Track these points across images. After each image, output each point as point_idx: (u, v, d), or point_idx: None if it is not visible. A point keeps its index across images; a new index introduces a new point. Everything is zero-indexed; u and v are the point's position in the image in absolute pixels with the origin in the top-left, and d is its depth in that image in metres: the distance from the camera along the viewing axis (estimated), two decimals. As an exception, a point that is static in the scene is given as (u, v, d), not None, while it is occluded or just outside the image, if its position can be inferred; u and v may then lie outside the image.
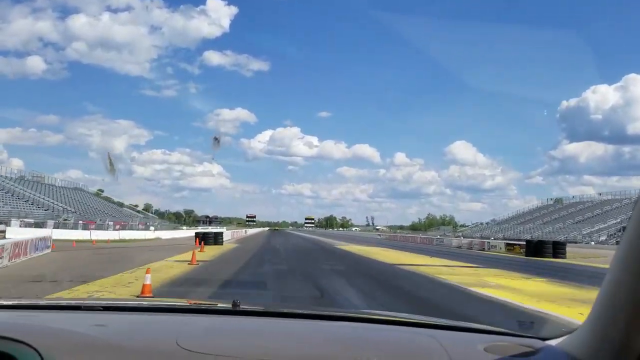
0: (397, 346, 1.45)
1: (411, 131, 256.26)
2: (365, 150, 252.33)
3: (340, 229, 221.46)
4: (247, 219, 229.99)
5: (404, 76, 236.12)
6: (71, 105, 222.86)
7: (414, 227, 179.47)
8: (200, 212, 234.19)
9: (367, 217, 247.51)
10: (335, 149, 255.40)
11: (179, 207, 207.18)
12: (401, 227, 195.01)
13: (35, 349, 0.97)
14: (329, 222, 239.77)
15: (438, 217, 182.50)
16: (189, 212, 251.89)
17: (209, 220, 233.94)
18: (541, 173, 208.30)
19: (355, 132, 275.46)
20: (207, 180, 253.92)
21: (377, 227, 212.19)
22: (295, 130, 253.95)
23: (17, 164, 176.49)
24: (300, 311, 1.90)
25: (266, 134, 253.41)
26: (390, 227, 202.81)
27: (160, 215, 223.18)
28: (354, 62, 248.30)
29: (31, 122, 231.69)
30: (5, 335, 0.98)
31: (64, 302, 1.77)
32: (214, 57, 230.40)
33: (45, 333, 1.07)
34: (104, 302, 1.78)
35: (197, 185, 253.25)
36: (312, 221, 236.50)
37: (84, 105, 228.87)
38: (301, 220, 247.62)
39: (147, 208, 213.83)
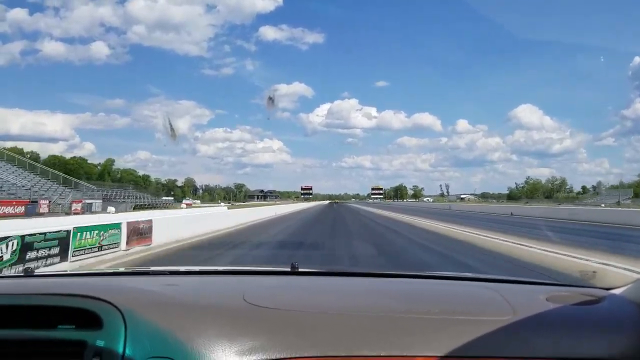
0: (459, 299, 1.48)
1: (473, 97, 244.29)
2: (426, 118, 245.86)
3: (410, 200, 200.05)
4: (303, 192, 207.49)
5: (463, 39, 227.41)
6: (135, 88, 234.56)
7: (512, 196, 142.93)
8: (263, 188, 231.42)
9: (440, 186, 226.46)
10: (395, 118, 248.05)
11: (249, 185, 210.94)
12: (481, 196, 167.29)
13: (115, 306, 1.03)
14: (398, 193, 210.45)
15: (543, 182, 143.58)
16: (240, 187, 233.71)
17: (264, 195, 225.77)
18: (613, 134, 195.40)
19: (415, 100, 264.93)
20: (268, 156, 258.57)
21: (462, 197, 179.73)
22: (353, 102, 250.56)
23: (89, 147, 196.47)
24: (357, 270, 1.96)
25: (324, 108, 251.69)
26: (478, 196, 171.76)
27: (210, 190, 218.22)
28: (410, 28, 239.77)
29: (99, 107, 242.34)
30: (90, 294, 1.04)
31: (136, 269, 1.92)
32: (269, 32, 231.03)
33: (123, 292, 1.13)
34: (170, 268, 1.90)
35: (259, 161, 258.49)
36: (380, 192, 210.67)
37: (147, 88, 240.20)
38: (363, 192, 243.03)
39: (189, 183, 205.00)
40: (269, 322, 1.14)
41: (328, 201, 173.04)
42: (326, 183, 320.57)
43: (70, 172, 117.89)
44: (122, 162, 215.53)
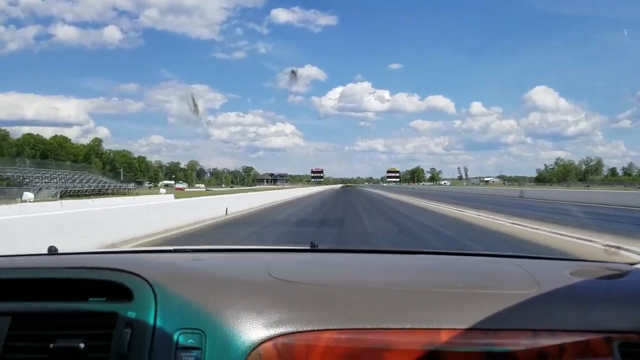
0: (483, 273, 1.49)
1: (488, 79, 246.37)
2: (439, 101, 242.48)
3: (426, 183, 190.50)
4: (313, 175, 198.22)
5: (478, 19, 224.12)
6: (148, 72, 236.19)
7: (540, 179, 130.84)
8: (276, 172, 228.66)
9: (459, 168, 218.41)
10: (408, 101, 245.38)
11: (257, 168, 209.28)
12: (508, 179, 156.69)
13: (145, 279, 1.06)
14: (415, 175, 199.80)
15: (577, 163, 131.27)
16: (248, 170, 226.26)
17: (273, 179, 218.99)
18: (630, 116, 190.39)
19: (428, 83, 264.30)
20: (280, 140, 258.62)
21: (487, 179, 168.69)
22: (366, 85, 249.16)
23: (103, 132, 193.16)
24: (377, 248, 1.99)
25: (337, 91, 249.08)
26: (504, 180, 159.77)
27: (217, 174, 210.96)
28: (424, 9, 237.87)
29: (113, 91, 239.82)
30: (120, 268, 1.08)
31: (160, 248, 1.96)
32: (281, 15, 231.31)
33: (152, 266, 1.17)
34: (194, 247, 1.96)
35: (271, 145, 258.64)
36: (396, 174, 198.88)
37: (160, 72, 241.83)
38: (376, 176, 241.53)
39: (192, 166, 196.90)
40: (294, 295, 1.15)
41: (340, 185, 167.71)
42: (339, 167, 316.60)
43: (49, 153, 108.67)
44: (137, 147, 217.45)
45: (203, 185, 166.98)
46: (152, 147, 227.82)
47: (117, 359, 0.94)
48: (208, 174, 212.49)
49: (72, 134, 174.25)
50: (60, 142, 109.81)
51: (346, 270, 1.51)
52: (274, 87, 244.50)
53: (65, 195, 43.32)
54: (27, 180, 47.06)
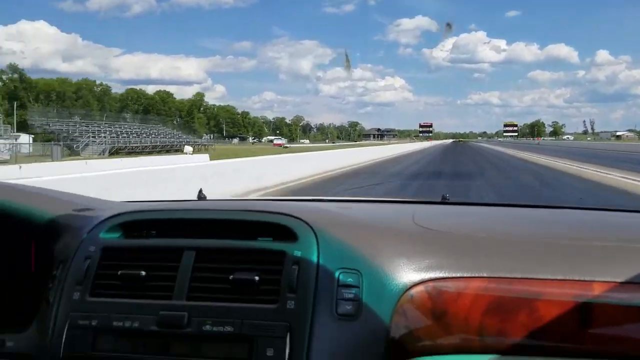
0: (635, 229, 1.43)
1: (615, 25, 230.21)
2: (561, 50, 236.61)
3: (547, 138, 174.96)
4: (421, 129, 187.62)
5: None
6: (261, 30, 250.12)
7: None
8: (385, 127, 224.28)
9: (584, 122, 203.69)
10: (526, 51, 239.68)
11: (366, 124, 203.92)
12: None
13: (306, 222, 1.14)
14: (534, 130, 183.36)
15: None
16: (354, 125, 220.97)
17: (380, 134, 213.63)
18: None
19: (549, 30, 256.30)
20: (389, 95, 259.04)
21: (618, 134, 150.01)
22: (480, 34, 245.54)
23: (220, 89, 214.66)
24: (513, 202, 1.93)
25: (449, 42, 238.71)
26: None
27: (323, 129, 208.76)
28: None
29: (228, 50, 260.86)
30: (284, 212, 1.17)
31: (307, 197, 2.00)
32: None
33: (310, 211, 1.23)
34: (339, 197, 2.08)
35: (380, 100, 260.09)
36: (514, 128, 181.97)
37: (272, 30, 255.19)
38: (490, 130, 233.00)
39: (297, 121, 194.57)
40: (442, 243, 1.18)
41: (451, 140, 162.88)
42: (450, 121, 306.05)
43: (151, 108, 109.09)
44: (251, 104, 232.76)
45: (308, 141, 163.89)
46: (265, 103, 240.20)
47: (286, 291, 1.02)
48: (314, 129, 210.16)
49: (191, 91, 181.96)
50: (163, 97, 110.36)
51: (486, 222, 1.50)
52: (383, 39, 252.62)
53: (116, 152, 39.47)
54: (76, 134, 43.94)
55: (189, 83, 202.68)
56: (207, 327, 1.01)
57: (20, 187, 1.43)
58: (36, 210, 1.29)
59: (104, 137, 43.69)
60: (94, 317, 1.05)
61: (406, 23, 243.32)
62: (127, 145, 45.80)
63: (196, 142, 61.65)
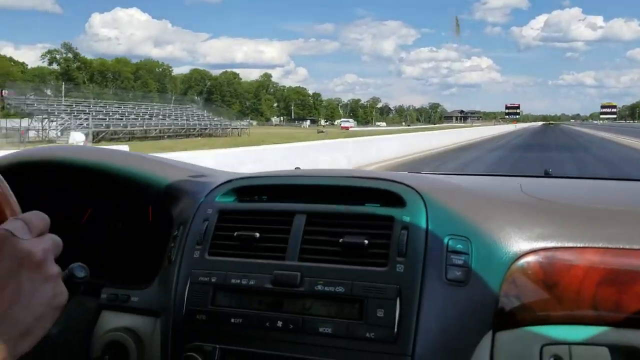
0: None
1: None
2: None
3: None
4: (507, 111, 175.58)
5: None
6: (343, 11, 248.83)
7: None
8: (470, 109, 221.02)
9: None
10: (626, 28, 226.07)
11: (448, 105, 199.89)
12: None
13: (414, 189, 1.14)
14: (636, 111, 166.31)
15: None
16: (435, 107, 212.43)
17: (463, 116, 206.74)
18: None
19: None
20: (475, 75, 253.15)
21: None
22: (575, 11, 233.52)
23: (302, 72, 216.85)
24: (617, 176, 2.10)
25: (540, 20, 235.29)
26: None
27: (401, 111, 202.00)
28: None
29: (311, 32, 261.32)
30: (391, 179, 1.18)
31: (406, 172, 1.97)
32: None
33: (417, 179, 1.23)
34: (436, 172, 2.10)
35: (465, 81, 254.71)
36: (612, 110, 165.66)
37: (355, 11, 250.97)
38: (584, 112, 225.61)
39: (373, 103, 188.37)
40: (553, 213, 1.17)
41: (541, 123, 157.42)
42: (540, 103, 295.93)
43: (215, 89, 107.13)
44: (332, 86, 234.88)
45: (384, 124, 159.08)
46: (346, 86, 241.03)
47: (396, 255, 1.03)
48: (393, 112, 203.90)
49: (275, 74, 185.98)
50: (229, 79, 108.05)
51: (596, 194, 1.49)
52: (469, 18, 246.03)
53: (100, 139, 35.55)
54: (55, 112, 40.49)
55: (272, 66, 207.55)
56: (319, 287, 1.03)
57: (140, 155, 1.56)
58: (155, 176, 1.37)
59: (87, 119, 39.13)
60: (213, 275, 1.11)
61: (493, 1, 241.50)
62: (126, 128, 41.96)
63: (226, 125, 55.12)
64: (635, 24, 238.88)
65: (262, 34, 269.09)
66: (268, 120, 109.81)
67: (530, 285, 1.04)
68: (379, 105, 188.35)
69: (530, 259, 1.06)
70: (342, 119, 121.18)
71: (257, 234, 1.14)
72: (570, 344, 1.00)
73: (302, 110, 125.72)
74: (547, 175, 1.89)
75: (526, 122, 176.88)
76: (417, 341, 0.97)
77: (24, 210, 0.73)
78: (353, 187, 1.21)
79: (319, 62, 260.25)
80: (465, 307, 1.01)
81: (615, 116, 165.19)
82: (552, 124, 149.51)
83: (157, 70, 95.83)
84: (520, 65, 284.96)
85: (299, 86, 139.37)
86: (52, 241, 0.70)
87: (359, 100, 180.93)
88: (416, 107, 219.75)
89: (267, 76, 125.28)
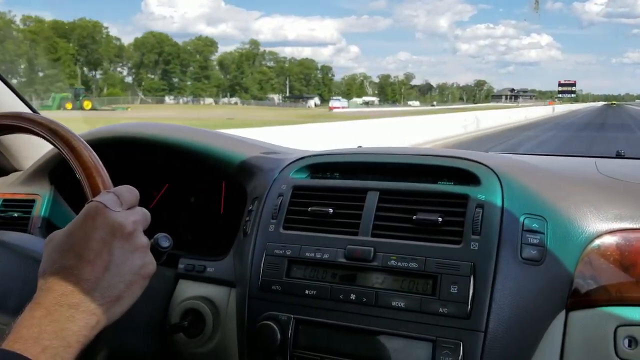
0: None
1: None
2: None
3: None
4: (561, 90, 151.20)
5: None
6: None
7: None
8: (527, 87, 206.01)
9: None
10: None
11: (505, 84, 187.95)
12: None
13: (489, 167, 1.13)
14: None
15: None
16: (480, 84, 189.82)
17: (514, 95, 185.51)
18: None
19: None
20: (534, 53, 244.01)
21: None
22: None
23: (354, 50, 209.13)
24: None
25: None
26: None
27: (443, 89, 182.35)
28: None
29: (363, 9, 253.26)
30: (465, 157, 1.18)
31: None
32: None
33: (491, 158, 1.22)
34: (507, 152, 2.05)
35: (524, 59, 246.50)
36: None
37: None
38: None
39: (407, 79, 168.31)
40: (631, 193, 1.15)
41: (602, 103, 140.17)
42: (602, 82, 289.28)
43: (173, 57, 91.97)
44: (385, 64, 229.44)
45: (417, 103, 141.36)
46: (399, 64, 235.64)
47: (470, 233, 1.03)
48: (435, 90, 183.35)
49: (326, 52, 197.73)
50: (198, 47, 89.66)
51: None
52: None
53: None
54: None
55: (323, 44, 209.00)
56: (392, 262, 1.04)
57: (215, 132, 1.59)
58: (231, 152, 1.40)
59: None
60: (288, 248, 1.13)
61: None
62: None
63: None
64: None
65: (313, 12, 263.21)
66: (262, 99, 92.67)
67: (606, 266, 1.02)
68: (413, 81, 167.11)
69: (607, 239, 1.04)
70: (333, 97, 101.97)
71: (331, 210, 1.14)
72: None
73: (305, 87, 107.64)
74: (619, 156, 1.81)
75: (586, 101, 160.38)
76: (490, 318, 0.97)
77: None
78: (426, 165, 1.20)
79: (371, 39, 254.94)
80: (539, 286, 1.01)
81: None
82: (614, 104, 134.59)
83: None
84: (582, 43, 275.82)
85: (307, 58, 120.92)
86: (142, 214, 0.75)
87: (388, 76, 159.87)
88: (460, 85, 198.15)
89: (256, 44, 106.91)
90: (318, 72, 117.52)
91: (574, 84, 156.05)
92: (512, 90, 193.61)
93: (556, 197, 1.11)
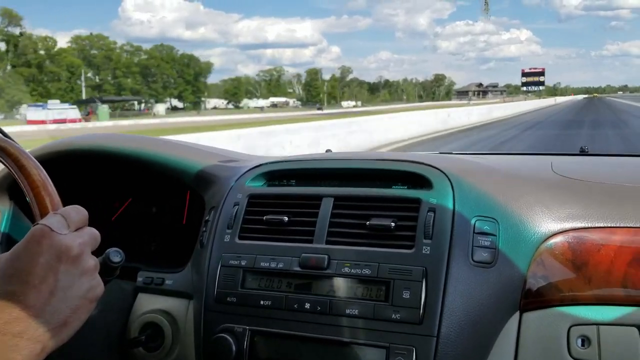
0: None
1: None
2: None
3: None
4: (525, 80, 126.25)
5: None
6: None
7: None
8: (511, 82, 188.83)
9: None
10: None
11: (483, 80, 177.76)
12: None
13: (441, 171, 1.14)
14: None
15: None
16: (439, 79, 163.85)
17: (482, 91, 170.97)
18: None
19: None
20: (514, 49, 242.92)
21: None
22: None
23: (335, 50, 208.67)
24: None
25: None
26: None
27: (394, 87, 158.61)
28: None
29: (342, 9, 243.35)
30: (418, 161, 1.18)
31: (435, 152, 1.95)
32: None
33: (444, 160, 1.23)
34: (471, 151, 2.04)
35: (504, 54, 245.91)
36: None
37: None
38: (633, 84, 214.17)
39: (339, 76, 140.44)
40: (583, 192, 1.16)
41: (583, 96, 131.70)
42: (583, 75, 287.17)
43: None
44: (366, 64, 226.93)
45: (353, 103, 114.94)
46: (380, 63, 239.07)
47: (422, 237, 1.03)
48: (385, 87, 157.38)
49: (307, 53, 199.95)
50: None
51: (631, 172, 1.47)
52: None
53: None
54: None
55: (304, 45, 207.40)
56: (346, 269, 1.04)
57: (172, 141, 1.57)
58: (188, 161, 1.38)
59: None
60: (243, 258, 1.13)
61: None
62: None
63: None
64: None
65: (293, 13, 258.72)
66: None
67: (558, 266, 1.03)
68: (350, 77, 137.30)
69: (558, 239, 1.05)
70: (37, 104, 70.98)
71: (286, 218, 1.14)
72: (598, 324, 0.99)
73: (147, 86, 78.62)
74: (582, 152, 1.81)
75: (565, 95, 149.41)
76: (442, 322, 0.97)
77: (64, 200, 0.76)
78: (381, 169, 1.21)
79: (352, 39, 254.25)
80: (491, 288, 1.01)
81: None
82: (596, 96, 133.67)
83: None
84: (562, 37, 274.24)
85: (165, 44, 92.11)
86: (90, 235, 0.73)
87: (315, 71, 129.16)
88: (420, 81, 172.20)
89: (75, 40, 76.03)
90: (179, 65, 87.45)
91: (542, 73, 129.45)
92: (480, 85, 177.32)
93: (508, 198, 1.10)
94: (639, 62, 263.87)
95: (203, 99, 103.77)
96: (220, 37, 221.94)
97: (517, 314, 1.03)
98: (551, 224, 1.07)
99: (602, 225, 1.05)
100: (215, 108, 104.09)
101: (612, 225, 1.05)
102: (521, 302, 1.03)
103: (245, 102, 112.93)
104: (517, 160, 1.73)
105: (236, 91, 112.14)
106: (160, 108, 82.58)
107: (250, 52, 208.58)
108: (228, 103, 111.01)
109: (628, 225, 1.04)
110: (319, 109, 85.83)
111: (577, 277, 1.02)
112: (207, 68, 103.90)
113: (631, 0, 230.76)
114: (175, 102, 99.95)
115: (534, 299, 1.03)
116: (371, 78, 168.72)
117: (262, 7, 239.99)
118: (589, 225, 1.06)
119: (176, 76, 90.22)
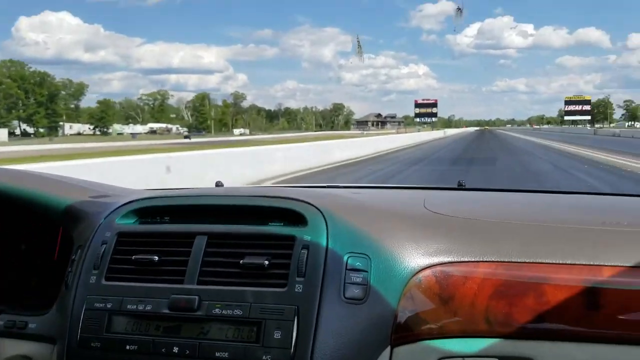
0: (636, 212, 1.46)
1: None
2: (591, 34, 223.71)
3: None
4: (418, 112, 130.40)
5: None
6: (282, 17, 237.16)
7: None
8: (410, 114, 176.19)
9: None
10: (554, 36, 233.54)
11: (385, 111, 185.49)
12: None
13: (316, 207, 1.15)
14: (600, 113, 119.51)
15: None
16: (338, 108, 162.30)
17: (381, 121, 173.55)
18: None
19: (579, 12, 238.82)
20: (413, 82, 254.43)
21: None
22: (507, 19, 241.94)
23: (242, 78, 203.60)
24: (526, 188, 2.35)
25: (474, 27, 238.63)
26: None
27: (290, 114, 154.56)
28: None
29: (249, 38, 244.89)
30: (294, 197, 1.18)
31: (320, 185, 2.05)
32: None
33: (320, 196, 1.24)
34: (351, 184, 2.13)
35: (404, 87, 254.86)
36: (585, 108, 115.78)
37: (293, 17, 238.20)
38: (519, 117, 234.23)
39: (230, 102, 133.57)
40: (451, 228, 1.19)
41: (476, 128, 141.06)
42: (475, 109, 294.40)
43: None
44: (274, 92, 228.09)
45: (241, 131, 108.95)
46: (287, 92, 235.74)
47: (295, 275, 1.03)
48: (283, 115, 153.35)
49: (214, 80, 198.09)
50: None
51: (498, 207, 1.52)
52: (406, 26, 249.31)
53: None
54: None
55: (210, 72, 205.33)
56: (217, 311, 1.02)
57: (37, 174, 1.48)
58: (54, 197, 1.31)
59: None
60: (109, 300, 1.08)
61: (429, 8, 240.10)
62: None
63: None
64: (563, 31, 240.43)
65: (199, 39, 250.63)
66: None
67: (426, 300, 1.05)
68: (243, 103, 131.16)
69: (427, 273, 1.08)
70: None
71: (156, 257, 1.11)
72: (464, 356, 1.02)
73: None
74: (459, 187, 1.86)
75: (459, 127, 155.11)
76: None
77: None
78: (257, 206, 1.19)
79: (259, 68, 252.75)
80: (363, 324, 1.01)
81: (589, 117, 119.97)
82: (487, 128, 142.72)
83: None
84: (456, 72, 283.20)
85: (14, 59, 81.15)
86: None
87: (203, 96, 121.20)
88: (320, 110, 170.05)
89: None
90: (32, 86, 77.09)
91: (434, 104, 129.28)
92: (379, 115, 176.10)
93: (380, 235, 1.12)
94: (523, 97, 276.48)
95: (62, 123, 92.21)
96: (122, 60, 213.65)
97: (389, 348, 1.04)
98: (420, 259, 1.09)
99: (466, 259, 1.08)
100: (79, 134, 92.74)
101: (476, 260, 1.08)
102: (392, 337, 1.03)
103: (115, 127, 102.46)
104: (392, 194, 1.78)
105: (103, 115, 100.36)
106: (1, 133, 71.58)
107: (153, 77, 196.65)
108: (94, 128, 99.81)
109: (490, 260, 1.07)
110: (186, 137, 77.67)
111: (444, 311, 1.04)
112: (79, 89, 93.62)
113: (516, 41, 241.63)
114: (26, 127, 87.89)
115: (404, 333, 1.04)
116: (277, 106, 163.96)
117: (166, 32, 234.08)
118: (455, 259, 1.08)
119: (24, 96, 78.63)
